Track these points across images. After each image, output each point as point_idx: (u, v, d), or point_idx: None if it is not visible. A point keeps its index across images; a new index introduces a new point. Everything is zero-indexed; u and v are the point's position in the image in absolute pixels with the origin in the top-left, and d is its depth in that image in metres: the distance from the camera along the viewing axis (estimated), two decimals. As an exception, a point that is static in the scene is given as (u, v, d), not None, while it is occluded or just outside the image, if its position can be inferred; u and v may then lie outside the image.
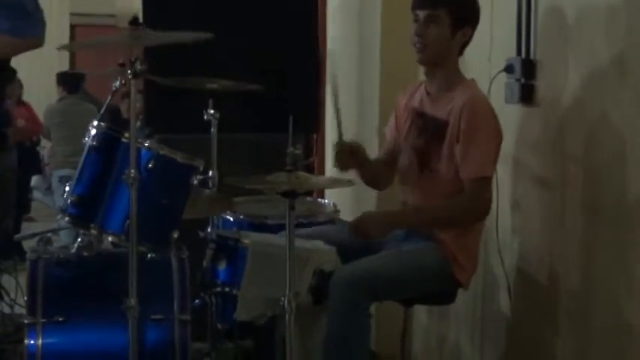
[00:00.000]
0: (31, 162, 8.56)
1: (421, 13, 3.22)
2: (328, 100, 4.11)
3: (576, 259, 3.07)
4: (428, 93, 3.34)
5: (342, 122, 3.33)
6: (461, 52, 3.31)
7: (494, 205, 3.34)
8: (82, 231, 3.19)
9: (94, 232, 3.09)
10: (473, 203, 3.17)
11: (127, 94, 3.27)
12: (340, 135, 3.34)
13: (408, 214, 3.31)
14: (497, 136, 3.20)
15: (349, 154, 3.35)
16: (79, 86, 8.43)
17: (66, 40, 13.97)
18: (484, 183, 3.16)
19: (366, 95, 4.99)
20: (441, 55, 3.26)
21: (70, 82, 8.25)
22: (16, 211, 8.15)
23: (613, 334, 2.84)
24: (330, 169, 5.89)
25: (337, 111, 3.32)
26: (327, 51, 5.53)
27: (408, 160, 3.34)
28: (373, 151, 3.79)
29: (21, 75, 7.39)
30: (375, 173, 3.51)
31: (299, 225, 3.33)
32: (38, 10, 3.75)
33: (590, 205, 3.00)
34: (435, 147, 3.23)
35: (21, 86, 9.48)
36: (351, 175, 3.50)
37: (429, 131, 3.27)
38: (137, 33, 2.84)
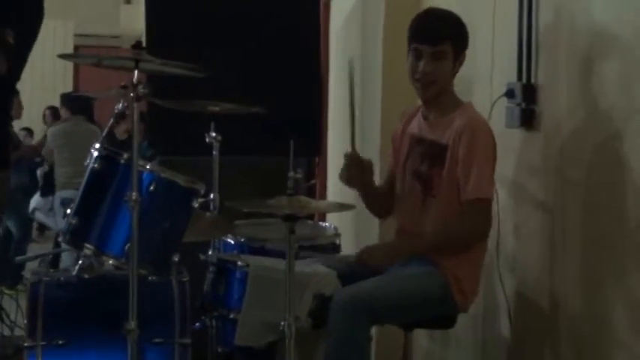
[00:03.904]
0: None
1: (426, 50, 3.17)
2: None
3: (577, 284, 3.06)
4: (425, 118, 3.34)
5: (356, 133, 3.27)
6: (455, 73, 3.29)
7: (495, 230, 3.34)
8: (83, 254, 3.19)
9: (94, 254, 3.09)
10: (472, 225, 3.16)
11: (120, 117, 3.25)
12: (353, 146, 3.28)
13: (410, 243, 3.28)
14: (495, 158, 3.21)
15: (358, 168, 3.30)
16: (83, 107, 8.44)
17: (69, 62, 14.05)
18: (484, 204, 3.15)
19: (366, 121, 4.98)
20: (445, 88, 3.26)
21: (73, 103, 8.25)
22: (22, 231, 8.18)
23: (613, 359, 2.83)
24: (332, 192, 5.92)
25: (352, 120, 3.24)
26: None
27: (408, 187, 3.33)
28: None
29: (24, 98, 7.45)
30: (378, 200, 3.47)
31: (301, 248, 3.34)
32: None
33: (590, 230, 3.00)
34: (437, 172, 3.22)
35: (21, 107, 9.53)
36: (353, 195, 3.49)
37: (429, 156, 3.26)
38: (139, 57, 2.84)
